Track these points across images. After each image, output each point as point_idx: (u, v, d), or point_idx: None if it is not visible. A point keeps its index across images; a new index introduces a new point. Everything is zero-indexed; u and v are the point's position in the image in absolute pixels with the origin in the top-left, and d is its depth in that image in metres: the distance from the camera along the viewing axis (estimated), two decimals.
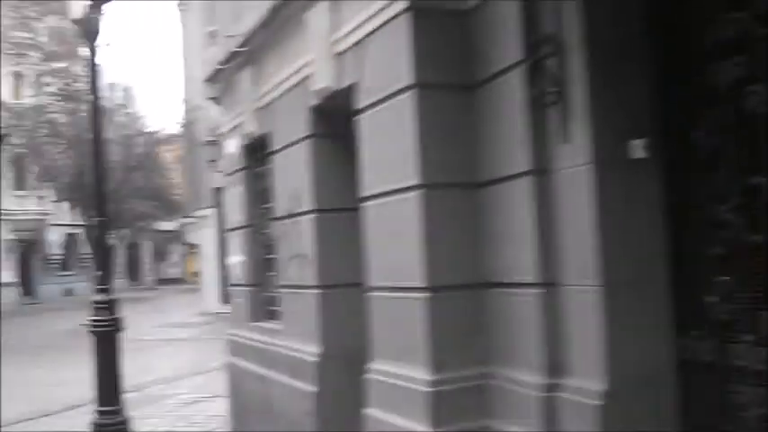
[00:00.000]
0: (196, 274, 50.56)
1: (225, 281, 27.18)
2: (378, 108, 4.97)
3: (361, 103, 5.19)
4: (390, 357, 4.93)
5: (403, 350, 4.80)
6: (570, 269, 4.13)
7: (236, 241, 8.14)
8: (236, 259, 8.15)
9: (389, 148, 4.88)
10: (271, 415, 6.97)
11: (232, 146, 8.16)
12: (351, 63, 5.37)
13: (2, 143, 32.91)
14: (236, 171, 8.03)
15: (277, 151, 6.75)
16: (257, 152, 7.53)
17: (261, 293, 7.67)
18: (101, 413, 7.74)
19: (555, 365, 4.18)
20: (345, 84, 5.46)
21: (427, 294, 4.54)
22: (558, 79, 4.09)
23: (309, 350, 6.15)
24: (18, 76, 38.33)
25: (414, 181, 4.57)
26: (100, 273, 8.02)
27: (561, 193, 4.16)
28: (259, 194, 7.61)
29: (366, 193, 5.16)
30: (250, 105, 7.36)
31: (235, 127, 8.03)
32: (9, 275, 41.11)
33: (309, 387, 6.10)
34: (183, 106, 33.10)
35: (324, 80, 5.73)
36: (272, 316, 7.31)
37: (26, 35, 34.36)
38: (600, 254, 3.94)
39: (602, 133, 3.99)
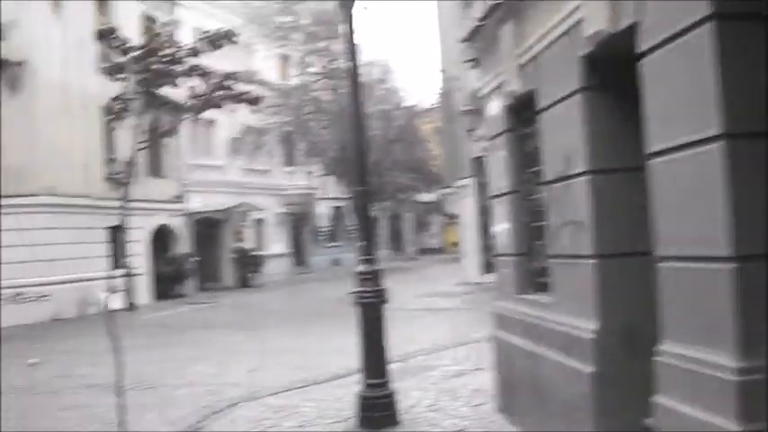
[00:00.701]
0: (456, 243, 51.09)
1: (485, 250, 27.06)
2: (665, 48, 4.26)
3: (644, 46, 4.50)
4: (686, 339, 4.24)
5: (702, 330, 4.09)
6: None
7: (501, 208, 7.69)
8: (501, 227, 7.69)
9: (682, 94, 4.17)
10: (541, 394, 6.49)
11: (494, 108, 7.69)
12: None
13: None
14: (499, 134, 7.55)
15: (544, 109, 6.18)
16: (521, 112, 7.00)
17: (529, 264, 7.16)
18: (367, 386, 7.63)
19: None
20: (623, 25, 4.78)
21: (734, 265, 3.81)
22: None
23: (585, 326, 5.58)
24: (284, 58, 40.32)
25: (715, 130, 3.85)
26: (363, 244, 7.89)
27: None
28: (525, 158, 7.08)
29: (653, 148, 4.46)
30: (512, 62, 6.85)
31: (496, 88, 7.56)
32: (283, 247, 43.67)
33: (585, 367, 5.53)
34: (439, 77, 33.20)
35: (597, 23, 5.08)
36: (541, 288, 6.78)
37: (290, 18, 35.98)
38: None
39: None
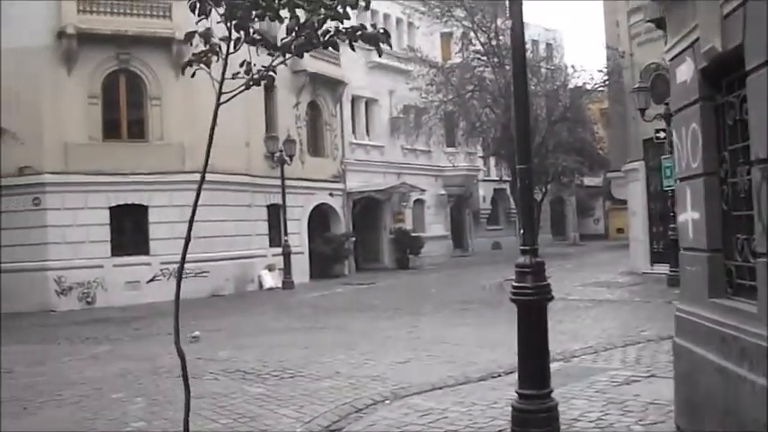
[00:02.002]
0: (620, 230, 48.92)
1: (654, 239, 25.24)
2: None
3: None
4: None
5: None
6: None
7: (689, 193, 6.43)
8: (689, 216, 6.44)
9: None
10: (738, 423, 5.26)
11: (683, 73, 6.43)
12: None
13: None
14: (691, 104, 6.27)
15: (755, 69, 4.91)
16: (722, 75, 5.73)
17: (725, 262, 5.90)
18: (524, 396, 6.59)
19: None
20: None
21: None
22: None
23: None
24: (446, 36, 39.35)
25: None
26: (525, 231, 6.82)
27: None
28: (725, 131, 5.81)
29: None
30: (710, 15, 5.58)
31: (687, 48, 6.29)
32: (442, 228, 42.92)
33: None
34: (606, 54, 31.40)
35: None
36: (744, 293, 5.52)
37: None
38: None
39: None
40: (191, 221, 5.81)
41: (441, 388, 9.33)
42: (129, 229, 24.57)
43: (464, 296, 21.80)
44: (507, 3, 7.41)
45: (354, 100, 35.91)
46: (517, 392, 6.66)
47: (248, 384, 10.09)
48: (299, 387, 9.81)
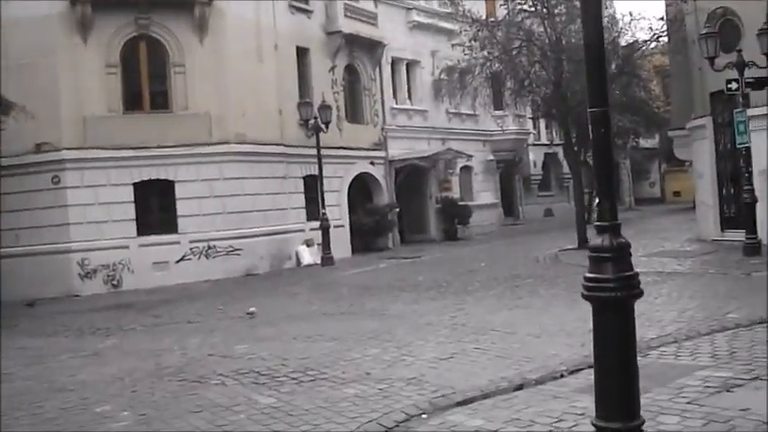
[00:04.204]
0: (677, 193, 46.41)
1: (725, 202, 22.96)
2: None
3: None
4: None
5: None
6: None
7: None
8: None
9: None
10: None
11: None
12: None
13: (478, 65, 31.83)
14: None
15: None
16: None
17: None
18: (601, 430, 4.77)
19: None
20: None
21: None
22: None
23: None
24: None
25: None
26: (599, 201, 4.93)
27: None
28: None
29: None
30: None
31: None
32: (491, 196, 40.90)
33: None
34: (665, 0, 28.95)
35: None
36: None
37: None
38: None
39: None
40: None
41: (490, 396, 7.52)
42: (155, 207, 23.08)
43: (516, 270, 19.88)
44: None
45: (394, 62, 33.98)
46: (594, 425, 4.84)
47: (259, 392, 8.37)
48: (318, 395, 8.04)
